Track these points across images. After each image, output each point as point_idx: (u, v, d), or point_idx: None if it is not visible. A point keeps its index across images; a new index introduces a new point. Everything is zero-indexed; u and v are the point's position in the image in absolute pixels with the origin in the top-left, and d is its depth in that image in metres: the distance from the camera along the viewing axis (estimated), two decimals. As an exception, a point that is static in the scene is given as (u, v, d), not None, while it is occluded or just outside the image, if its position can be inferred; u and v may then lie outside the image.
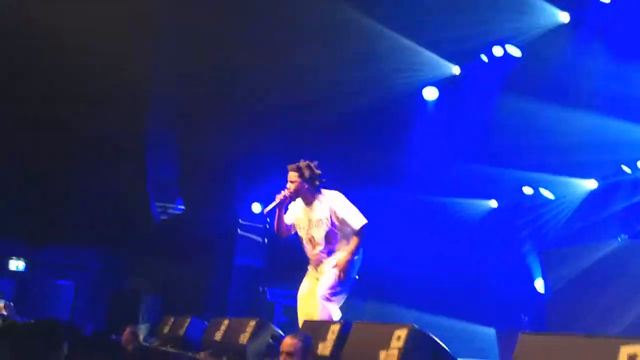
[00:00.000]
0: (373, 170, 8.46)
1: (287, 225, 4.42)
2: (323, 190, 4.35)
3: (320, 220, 4.28)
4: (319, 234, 4.29)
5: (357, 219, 4.24)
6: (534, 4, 7.22)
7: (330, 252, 4.28)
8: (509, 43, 7.79)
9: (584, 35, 7.05)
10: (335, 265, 4.22)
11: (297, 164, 4.32)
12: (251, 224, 9.75)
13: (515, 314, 7.34)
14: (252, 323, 4.38)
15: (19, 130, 8.59)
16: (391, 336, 2.98)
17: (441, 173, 8.71)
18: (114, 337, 5.80)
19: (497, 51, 7.94)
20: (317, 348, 3.39)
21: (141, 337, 5.15)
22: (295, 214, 4.43)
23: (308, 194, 4.32)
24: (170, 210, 10.17)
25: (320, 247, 4.30)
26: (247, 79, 8.09)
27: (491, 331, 6.52)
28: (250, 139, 8.76)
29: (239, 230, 9.52)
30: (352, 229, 4.23)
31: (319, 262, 4.35)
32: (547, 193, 8.70)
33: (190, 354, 4.91)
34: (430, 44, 7.76)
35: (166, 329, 5.95)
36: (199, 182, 9.78)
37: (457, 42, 7.66)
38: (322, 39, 7.59)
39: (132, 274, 9.51)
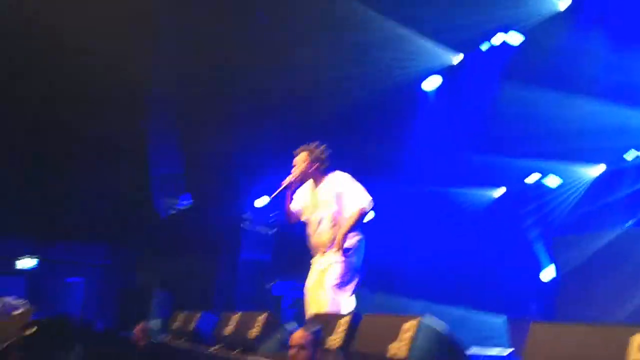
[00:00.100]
0: (376, 162, 8.45)
1: (296, 213, 4.41)
2: (331, 173, 4.34)
3: (326, 201, 4.27)
4: (325, 215, 4.27)
5: (359, 196, 4.20)
6: (532, -10, 7.19)
7: (334, 237, 4.24)
8: (509, 31, 7.75)
9: (584, 22, 7.01)
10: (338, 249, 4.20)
11: (305, 145, 4.31)
12: (256, 217, 9.78)
13: (524, 301, 7.36)
14: (262, 317, 4.41)
15: (26, 130, 8.62)
16: (400, 328, 3.00)
17: (444, 163, 8.70)
18: (124, 333, 5.84)
19: (497, 39, 7.90)
20: (326, 341, 3.41)
21: (154, 332, 5.19)
22: (303, 198, 4.42)
23: (317, 174, 4.30)
24: (176, 206, 10.21)
25: (326, 230, 4.26)
26: (248, 74, 8.08)
27: (501, 319, 6.54)
28: (252, 133, 8.76)
29: (244, 225, 9.56)
30: (354, 204, 4.20)
31: (322, 247, 4.30)
32: (553, 180, 8.68)
33: (201, 348, 4.95)
34: (430, 33, 7.72)
35: (177, 324, 6.00)
36: (205, 176, 9.80)
37: (456, 30, 7.61)
38: (321, 31, 7.56)
39: (141, 270, 9.57)
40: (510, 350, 5.74)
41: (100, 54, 7.24)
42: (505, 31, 7.75)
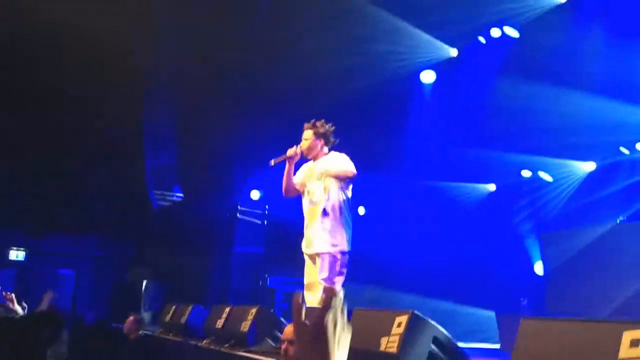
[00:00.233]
0: (370, 154, 8.43)
1: (295, 186, 4.42)
2: (332, 152, 4.40)
3: (322, 173, 4.31)
4: (318, 187, 4.29)
5: (346, 164, 4.23)
6: (531, -16, 7.16)
7: (325, 212, 4.23)
8: (507, 24, 7.73)
9: (582, 16, 7.00)
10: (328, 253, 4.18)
11: (312, 121, 4.36)
12: (250, 210, 9.76)
13: (514, 297, 7.39)
14: (253, 310, 4.39)
15: (17, 122, 8.54)
16: (392, 322, 2.99)
17: (439, 157, 8.70)
18: (116, 325, 5.82)
19: (495, 33, 7.88)
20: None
21: (144, 325, 5.17)
22: (305, 172, 4.46)
23: (320, 152, 4.36)
24: (169, 198, 10.16)
25: (318, 202, 4.26)
26: (245, 67, 8.03)
27: (491, 314, 6.56)
28: (248, 126, 8.72)
29: (238, 215, 9.54)
30: (340, 167, 4.20)
31: (312, 218, 4.29)
32: (545, 176, 8.71)
33: (192, 341, 4.93)
34: (428, 26, 7.69)
35: (168, 317, 5.97)
36: (198, 169, 9.76)
37: (454, 24, 7.59)
38: (319, 24, 7.51)
39: (133, 262, 9.53)
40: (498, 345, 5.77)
41: (97, 44, 7.18)
42: (504, 24, 7.74)
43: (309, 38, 7.57)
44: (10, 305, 3.83)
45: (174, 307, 6.01)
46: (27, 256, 10.31)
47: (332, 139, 4.43)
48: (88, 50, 7.34)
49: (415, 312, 2.96)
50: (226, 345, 4.41)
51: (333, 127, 4.45)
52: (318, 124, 4.40)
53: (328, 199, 4.24)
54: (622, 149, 7.85)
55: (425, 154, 8.67)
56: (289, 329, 3.25)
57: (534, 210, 8.63)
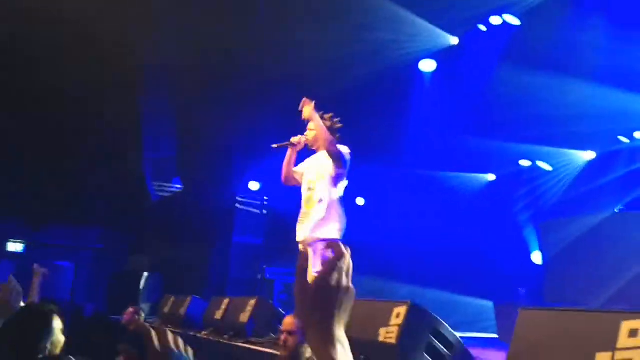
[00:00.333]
0: (369, 144, 8.41)
1: (295, 175, 4.39)
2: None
3: (322, 165, 4.30)
4: (318, 179, 4.28)
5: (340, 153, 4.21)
6: (532, -29, 7.10)
7: (321, 200, 4.22)
8: (508, 12, 7.68)
9: (583, 5, 6.95)
10: (325, 248, 4.16)
11: (319, 113, 4.33)
12: (249, 201, 9.75)
13: (512, 286, 7.40)
14: (252, 302, 4.39)
15: (16, 113, 8.50)
16: (391, 313, 2.99)
17: (438, 146, 8.67)
18: (114, 317, 5.82)
19: (496, 20, 7.82)
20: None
21: (142, 316, 5.17)
22: (307, 163, 4.44)
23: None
24: (168, 190, 10.14)
25: (315, 194, 4.25)
26: (245, 55, 7.98)
27: (489, 304, 6.58)
28: (247, 116, 8.68)
29: (237, 206, 9.53)
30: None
31: (308, 206, 4.27)
32: (544, 165, 8.70)
33: (191, 332, 4.94)
34: (428, 14, 7.63)
35: (167, 309, 5.98)
36: (197, 160, 9.74)
37: (455, 11, 7.53)
38: (318, 12, 7.44)
39: (132, 253, 9.53)
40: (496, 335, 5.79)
41: (96, 32, 7.12)
42: (504, 12, 7.68)
43: (308, 27, 7.50)
44: (13, 287, 3.81)
45: (172, 298, 6.02)
46: (25, 248, 10.31)
47: (337, 134, 4.39)
48: (88, 50, 7.30)
49: (414, 302, 2.96)
50: (225, 337, 4.42)
51: (341, 124, 4.39)
52: (326, 116, 4.36)
53: (324, 187, 4.23)
54: (621, 138, 7.84)
55: (425, 143, 8.64)
56: (288, 320, 3.25)
57: (533, 199, 8.64)
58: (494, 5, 7.55)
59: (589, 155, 8.31)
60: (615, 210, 6.58)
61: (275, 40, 7.66)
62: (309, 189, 4.30)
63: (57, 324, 2.52)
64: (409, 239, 8.49)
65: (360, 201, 9.19)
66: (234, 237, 9.47)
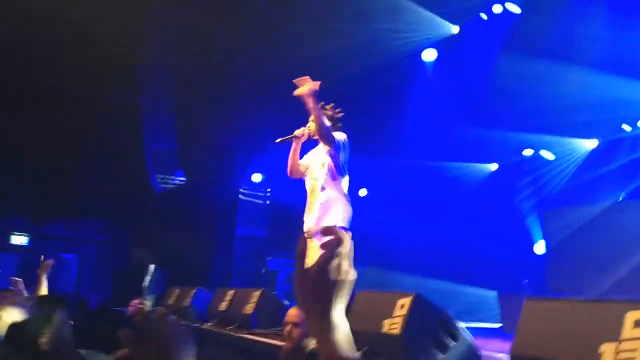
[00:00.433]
0: (372, 135, 8.40)
1: (300, 167, 4.40)
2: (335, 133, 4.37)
3: (322, 154, 4.31)
4: (320, 168, 4.29)
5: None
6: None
7: (324, 188, 4.23)
8: (509, 0, 7.63)
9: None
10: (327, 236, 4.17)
11: (321, 103, 4.33)
12: (253, 192, 9.77)
13: (515, 276, 7.42)
14: (257, 293, 4.41)
15: (20, 108, 8.50)
16: (395, 304, 3.00)
17: (440, 137, 8.65)
18: (119, 309, 5.85)
19: (497, 9, 7.78)
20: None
21: (147, 308, 5.20)
22: (311, 154, 4.45)
23: None
24: (171, 182, 10.16)
25: (317, 178, 4.26)
26: (246, 48, 7.95)
27: (492, 294, 6.59)
28: (249, 109, 8.67)
29: (241, 197, 9.55)
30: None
31: (313, 196, 4.29)
32: (547, 154, 8.68)
33: (196, 324, 4.97)
34: (428, 3, 7.59)
35: (171, 300, 6.01)
36: (200, 153, 9.74)
37: (455, 0, 7.49)
38: (319, 3, 7.41)
39: (136, 245, 9.56)
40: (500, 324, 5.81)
41: (97, 27, 7.10)
42: (505, 1, 7.63)
43: (308, 18, 7.47)
44: (20, 288, 3.86)
45: (177, 290, 6.05)
46: (30, 241, 10.36)
47: (338, 124, 4.40)
48: (88, 50, 7.29)
49: (419, 293, 2.97)
50: (230, 328, 4.44)
51: (342, 113, 4.41)
52: (327, 107, 4.37)
53: (325, 175, 4.24)
54: (624, 126, 7.81)
55: (427, 133, 8.62)
56: (292, 312, 3.26)
57: (535, 188, 8.63)
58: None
59: (591, 143, 8.29)
60: (619, 199, 6.57)
61: (276, 31, 7.63)
62: (313, 179, 4.31)
63: (63, 317, 2.52)
64: (411, 229, 8.50)
65: (362, 192, 9.20)
66: (237, 229, 9.49)
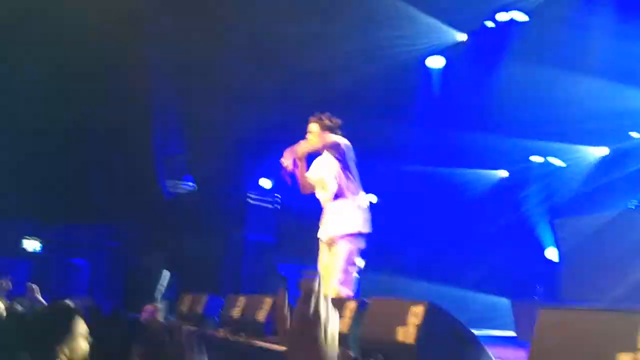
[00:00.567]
0: (379, 142, 8.42)
1: (309, 182, 4.43)
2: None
3: (328, 161, 4.34)
4: (328, 174, 4.33)
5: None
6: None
7: (336, 196, 4.27)
8: (516, 8, 7.65)
9: (593, 0, 6.90)
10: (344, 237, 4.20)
11: (317, 114, 4.37)
12: (262, 198, 9.80)
13: (529, 283, 7.39)
14: (269, 300, 4.42)
15: (29, 110, 8.59)
16: (408, 312, 3.00)
17: (449, 144, 8.67)
18: (133, 315, 5.89)
19: (503, 17, 7.80)
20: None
21: (161, 317, 5.24)
22: (315, 165, 4.48)
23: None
24: (181, 187, 10.21)
25: (330, 188, 4.30)
26: (253, 52, 8.01)
27: (505, 301, 6.58)
28: (257, 112, 8.72)
29: (250, 202, 9.58)
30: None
31: (326, 205, 4.32)
32: (557, 161, 8.66)
33: (209, 331, 4.99)
34: (435, 11, 7.63)
35: (185, 307, 6.03)
36: (210, 157, 9.80)
37: (462, 8, 7.52)
38: (327, 10, 7.46)
39: (147, 251, 9.61)
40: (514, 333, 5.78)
41: (101, 29, 7.18)
42: (512, 9, 7.65)
43: (318, 23, 7.52)
44: (37, 296, 3.91)
45: (190, 296, 6.07)
46: (42, 247, 10.43)
47: (338, 132, 4.42)
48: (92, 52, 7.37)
49: (432, 302, 2.97)
50: (243, 335, 4.45)
51: (340, 121, 4.44)
52: (324, 117, 4.39)
53: (335, 182, 4.27)
54: (633, 134, 7.79)
55: (436, 140, 8.64)
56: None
57: (546, 196, 8.62)
58: (501, 2, 7.52)
59: (602, 151, 8.27)
60: (632, 207, 6.54)
61: (284, 37, 7.69)
62: (323, 187, 4.35)
63: (81, 328, 2.49)
64: (422, 236, 8.50)
65: (372, 198, 9.20)
66: (247, 234, 9.52)
